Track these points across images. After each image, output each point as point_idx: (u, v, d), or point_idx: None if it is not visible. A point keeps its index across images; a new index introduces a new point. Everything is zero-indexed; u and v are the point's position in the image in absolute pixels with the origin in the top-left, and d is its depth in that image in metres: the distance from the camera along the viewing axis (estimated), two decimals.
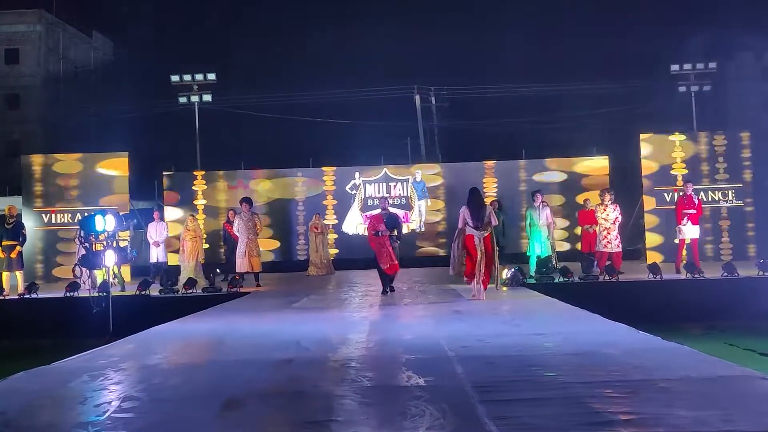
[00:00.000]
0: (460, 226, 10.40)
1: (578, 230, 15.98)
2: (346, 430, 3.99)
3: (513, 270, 12.75)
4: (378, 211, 13.14)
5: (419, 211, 19.55)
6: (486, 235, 10.21)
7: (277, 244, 19.38)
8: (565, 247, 17.94)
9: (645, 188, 17.84)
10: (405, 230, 16.35)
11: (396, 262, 11.78)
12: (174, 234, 17.17)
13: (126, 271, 15.73)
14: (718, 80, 23.39)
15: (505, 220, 16.34)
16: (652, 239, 17.60)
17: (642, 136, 18.19)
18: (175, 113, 24.67)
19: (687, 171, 17.56)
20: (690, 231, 13.72)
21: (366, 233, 12.99)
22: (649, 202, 17.79)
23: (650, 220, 17.73)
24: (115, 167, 17.84)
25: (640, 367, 5.31)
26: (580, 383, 4.83)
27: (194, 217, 15.64)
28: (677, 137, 18.11)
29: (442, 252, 18.62)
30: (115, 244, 10.51)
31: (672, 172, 17.75)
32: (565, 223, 18.52)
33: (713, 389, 4.62)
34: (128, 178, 18.02)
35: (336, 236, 19.18)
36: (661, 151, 17.91)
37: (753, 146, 17.98)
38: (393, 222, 11.98)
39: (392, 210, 13.74)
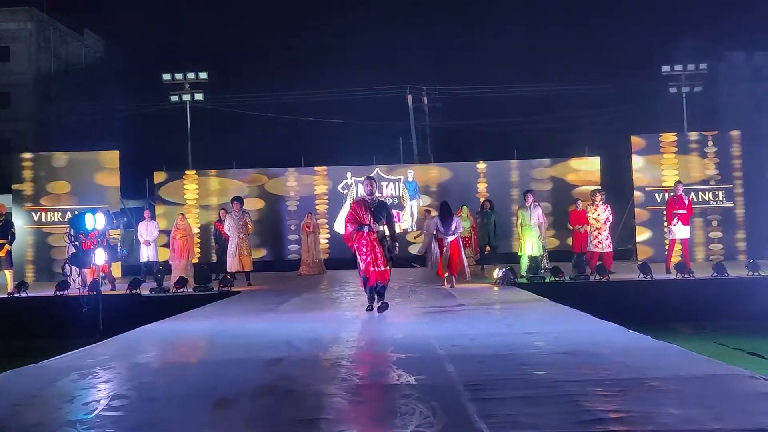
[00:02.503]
0: (433, 232, 12.68)
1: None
2: (336, 428, 3.98)
3: (504, 270, 12.76)
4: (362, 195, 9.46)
5: (411, 210, 19.55)
6: (452, 239, 12.34)
7: (267, 244, 19.35)
8: (555, 243, 17.96)
9: (636, 198, 17.88)
10: (397, 230, 12.68)
11: (384, 268, 8.91)
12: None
13: (116, 270, 15.68)
14: (708, 81, 23.48)
15: (497, 220, 16.39)
16: (644, 251, 17.61)
17: (633, 136, 18.25)
18: (167, 112, 24.61)
19: (677, 171, 17.62)
20: (680, 231, 13.78)
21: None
22: (640, 215, 17.83)
23: (641, 230, 17.73)
24: (105, 166, 17.79)
25: (630, 366, 5.33)
26: (570, 382, 4.83)
27: (184, 216, 15.59)
28: (668, 138, 18.18)
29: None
30: (105, 243, 10.46)
31: (662, 173, 17.81)
32: (552, 230, 18.50)
33: (703, 388, 4.64)
34: (119, 176, 17.97)
35: (328, 236, 19.17)
36: (652, 152, 17.97)
37: (743, 147, 18.07)
38: (382, 211, 8.99)
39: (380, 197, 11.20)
